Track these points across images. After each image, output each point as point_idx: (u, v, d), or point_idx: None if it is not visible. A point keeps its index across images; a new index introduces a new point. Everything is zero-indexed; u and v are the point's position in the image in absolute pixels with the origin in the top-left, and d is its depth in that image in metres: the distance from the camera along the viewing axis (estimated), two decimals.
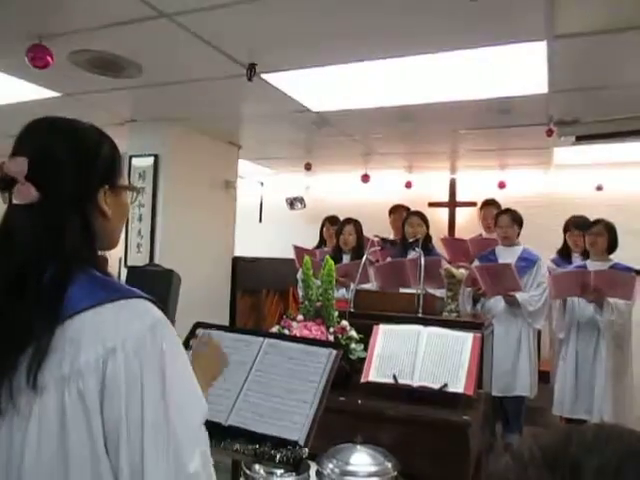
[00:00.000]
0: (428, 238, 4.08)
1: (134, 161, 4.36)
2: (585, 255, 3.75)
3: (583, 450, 0.37)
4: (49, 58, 2.61)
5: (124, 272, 4.04)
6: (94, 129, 0.97)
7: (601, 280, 3.26)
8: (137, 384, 0.81)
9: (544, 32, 2.41)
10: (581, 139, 3.76)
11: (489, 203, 4.80)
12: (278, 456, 1.16)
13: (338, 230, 4.31)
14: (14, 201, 0.87)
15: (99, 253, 0.96)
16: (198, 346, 1.22)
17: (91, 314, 0.83)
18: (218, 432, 1.22)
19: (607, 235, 3.48)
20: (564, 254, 4.23)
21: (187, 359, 0.92)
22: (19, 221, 0.87)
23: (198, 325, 1.62)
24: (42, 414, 0.79)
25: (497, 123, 3.90)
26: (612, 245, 3.51)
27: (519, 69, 2.93)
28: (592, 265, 3.45)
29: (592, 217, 3.74)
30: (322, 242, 4.96)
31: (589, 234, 3.56)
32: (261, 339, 1.50)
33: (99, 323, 0.82)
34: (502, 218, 3.91)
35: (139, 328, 0.83)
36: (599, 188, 5.56)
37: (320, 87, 3.38)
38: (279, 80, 3.23)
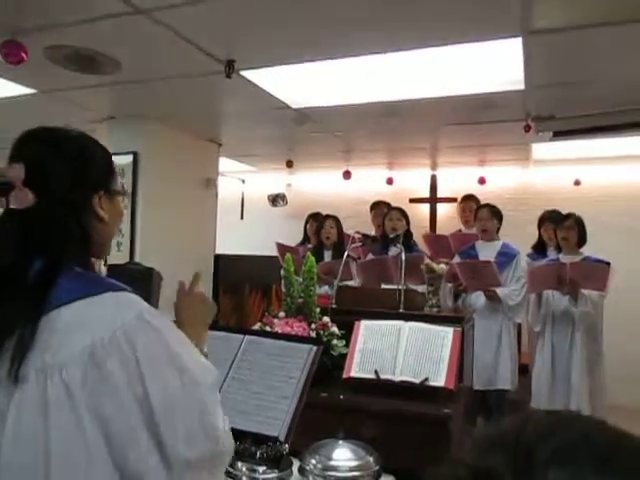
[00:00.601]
0: (409, 234, 4.10)
1: (113, 159, 4.30)
2: (560, 249, 3.81)
3: (539, 434, 0.37)
4: (23, 54, 2.57)
5: (104, 271, 3.99)
6: (87, 137, 1.02)
7: (576, 272, 3.32)
8: (136, 374, 0.81)
9: (520, 28, 2.44)
10: (558, 135, 3.81)
11: (468, 198, 4.85)
12: (258, 453, 1.16)
13: (319, 227, 4.33)
14: (11, 206, 0.90)
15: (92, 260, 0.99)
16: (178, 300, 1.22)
17: (77, 306, 0.84)
18: None
19: (577, 229, 3.55)
20: (539, 249, 4.29)
21: (182, 334, 0.93)
22: (15, 225, 0.90)
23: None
24: (21, 405, 0.79)
25: (476, 119, 3.94)
26: (582, 239, 3.58)
27: (496, 65, 2.95)
28: (565, 259, 3.51)
29: (570, 211, 3.80)
30: (306, 239, 4.97)
31: (560, 229, 3.62)
32: (241, 336, 1.50)
33: (86, 315, 0.84)
34: (482, 211, 3.96)
35: (127, 319, 0.85)
36: (577, 183, 5.64)
37: (300, 84, 3.37)
38: (258, 77, 3.21)
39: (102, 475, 0.79)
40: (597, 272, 3.34)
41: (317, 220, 4.76)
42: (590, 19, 2.35)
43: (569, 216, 3.63)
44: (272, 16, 2.41)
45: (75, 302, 0.84)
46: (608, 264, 3.41)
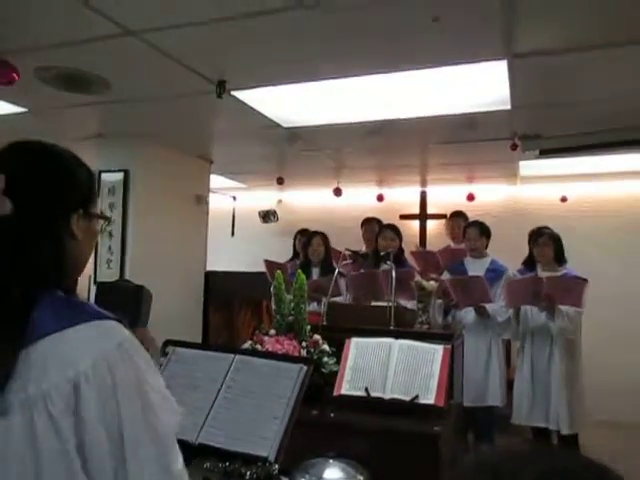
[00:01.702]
0: (401, 251, 4.12)
1: (104, 176, 4.31)
2: None
3: (515, 469, 0.39)
4: (14, 75, 2.59)
5: (94, 289, 3.97)
6: (73, 155, 1.01)
7: (553, 287, 3.33)
8: (112, 402, 0.82)
9: (504, 51, 2.50)
10: (544, 153, 3.88)
11: (457, 214, 4.90)
12: (248, 473, 1.16)
13: (306, 243, 4.34)
14: None
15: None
16: None
17: (57, 338, 0.83)
18: (188, 451, 1.22)
19: (553, 245, 3.58)
20: (529, 264, 4.33)
21: (157, 370, 0.95)
22: None
23: (168, 343, 1.62)
24: (8, 438, 0.80)
25: (463, 138, 4.00)
26: (559, 255, 3.60)
27: (483, 86, 3.01)
28: (544, 275, 3.52)
29: (557, 227, 3.85)
30: (296, 255, 4.99)
31: (536, 246, 3.65)
32: (232, 356, 1.50)
33: (66, 346, 0.83)
34: (470, 230, 3.99)
35: (108, 348, 0.85)
36: (563, 199, 5.73)
37: (290, 103, 3.41)
38: (249, 97, 3.25)
39: None
40: (573, 288, 3.35)
41: (305, 236, 4.78)
42: (573, 43, 2.41)
43: (543, 233, 3.66)
44: (262, 38, 2.45)
45: (54, 334, 0.84)
46: (585, 281, 3.44)
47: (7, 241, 0.88)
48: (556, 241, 3.60)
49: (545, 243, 3.59)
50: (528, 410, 3.47)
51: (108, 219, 1.09)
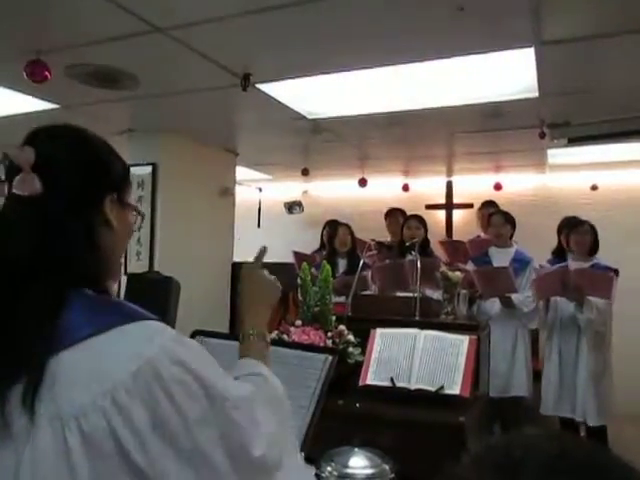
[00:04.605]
0: (426, 242, 4.11)
1: (133, 170, 4.30)
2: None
3: (524, 451, 0.40)
4: (47, 73, 2.66)
5: (124, 280, 4.07)
6: (108, 144, 0.94)
7: (581, 278, 3.31)
8: (168, 411, 0.72)
9: (531, 39, 2.46)
10: (573, 141, 3.80)
11: (487, 204, 4.85)
12: None
13: (332, 234, 4.36)
14: (14, 191, 0.79)
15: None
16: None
17: (90, 344, 0.73)
18: None
19: (592, 236, 3.55)
20: (558, 255, 4.26)
21: (216, 365, 0.82)
22: (17, 214, 0.80)
23: (196, 333, 1.66)
24: (37, 451, 0.69)
25: (491, 127, 3.95)
26: (594, 245, 3.58)
27: (510, 74, 2.97)
28: (574, 265, 3.50)
29: (588, 216, 3.79)
30: (323, 246, 5.02)
31: (575, 233, 3.62)
32: None
33: (100, 354, 0.73)
34: (495, 218, 3.96)
35: (149, 352, 0.73)
36: (594, 188, 5.61)
37: (315, 95, 3.42)
38: (274, 89, 3.27)
39: None
40: (602, 279, 3.32)
41: (331, 228, 4.80)
42: (600, 29, 2.36)
43: (584, 222, 3.63)
44: (285, 31, 2.46)
45: (89, 339, 0.73)
46: (616, 272, 3.38)
47: (36, 224, 0.79)
48: (595, 232, 3.58)
49: (586, 232, 3.56)
50: (555, 400, 3.45)
51: (142, 215, 1.00)
